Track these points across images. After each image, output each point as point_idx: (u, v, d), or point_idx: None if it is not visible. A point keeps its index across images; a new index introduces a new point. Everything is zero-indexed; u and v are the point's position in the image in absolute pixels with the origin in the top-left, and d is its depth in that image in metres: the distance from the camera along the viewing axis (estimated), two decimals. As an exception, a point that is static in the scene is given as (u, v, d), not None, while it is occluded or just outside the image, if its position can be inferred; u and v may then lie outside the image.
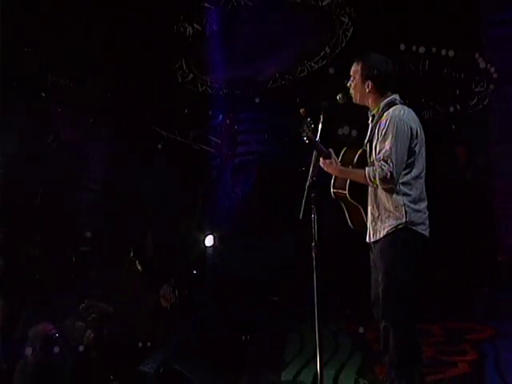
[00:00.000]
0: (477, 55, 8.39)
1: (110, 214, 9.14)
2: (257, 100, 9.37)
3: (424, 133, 3.21)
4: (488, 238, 7.43)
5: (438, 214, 3.31)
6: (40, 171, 8.43)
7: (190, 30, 9.04)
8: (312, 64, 8.93)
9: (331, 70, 8.65)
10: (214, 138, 10.77)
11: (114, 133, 9.38)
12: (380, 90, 3.16)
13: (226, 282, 8.59)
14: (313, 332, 3.07)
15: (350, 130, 8.85)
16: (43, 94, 8.45)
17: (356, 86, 3.24)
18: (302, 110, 3.13)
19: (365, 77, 3.20)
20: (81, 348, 5.78)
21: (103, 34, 8.67)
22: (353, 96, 3.28)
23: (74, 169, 8.88)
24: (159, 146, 9.74)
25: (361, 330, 5.49)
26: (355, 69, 3.28)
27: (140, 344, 6.54)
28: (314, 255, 3.10)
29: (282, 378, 4.31)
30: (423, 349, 3.21)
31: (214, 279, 8.96)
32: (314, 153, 3.12)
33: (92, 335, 6.17)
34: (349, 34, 8.63)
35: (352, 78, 3.28)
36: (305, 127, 3.06)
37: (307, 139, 3.08)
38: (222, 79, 9.31)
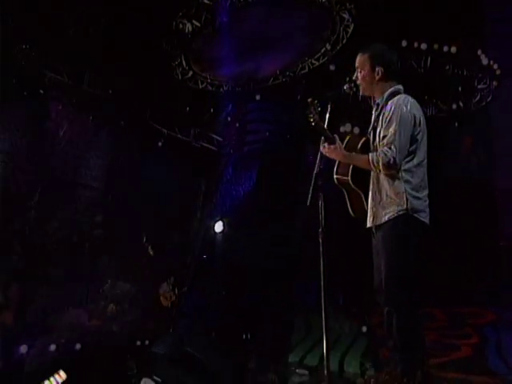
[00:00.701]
0: (479, 52, 8.46)
1: (109, 212, 9.37)
2: (257, 97, 9.62)
3: (427, 131, 3.39)
4: (490, 225, 7.63)
5: (442, 203, 3.49)
6: (39, 169, 8.64)
7: (189, 26, 9.08)
8: (313, 61, 8.99)
9: (332, 67, 8.80)
10: (215, 136, 11.10)
11: (114, 130, 9.53)
12: (388, 78, 3.35)
13: (233, 267, 8.91)
14: (319, 317, 3.25)
15: (352, 127, 9.06)
16: (41, 92, 8.48)
17: (365, 75, 3.43)
18: (309, 100, 3.30)
19: (375, 65, 3.39)
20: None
21: (101, 31, 8.73)
22: (360, 87, 3.46)
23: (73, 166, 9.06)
24: (159, 144, 9.94)
25: (364, 329, 5.65)
26: (362, 59, 3.47)
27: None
28: (320, 240, 3.28)
29: (290, 360, 4.49)
30: (426, 333, 3.39)
31: (223, 265, 9.26)
32: (321, 141, 3.30)
33: (114, 308, 6.55)
34: (349, 31, 8.57)
35: (359, 69, 3.46)
36: (312, 109, 3.24)
37: (314, 122, 3.26)
38: (222, 76, 9.40)
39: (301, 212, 8.92)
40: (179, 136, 10.50)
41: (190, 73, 9.15)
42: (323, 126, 3.33)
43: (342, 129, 9.70)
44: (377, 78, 3.38)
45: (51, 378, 4.12)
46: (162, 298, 8.74)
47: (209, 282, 9.44)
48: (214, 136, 11.16)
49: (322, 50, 8.84)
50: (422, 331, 3.28)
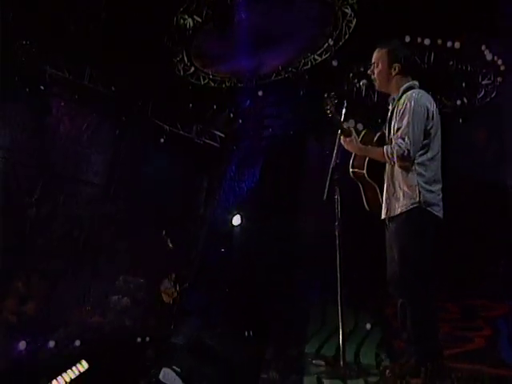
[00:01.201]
0: (483, 47, 8.44)
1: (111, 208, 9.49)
2: (260, 93, 9.64)
3: None
4: (502, 219, 7.78)
5: (452, 198, 3.60)
6: (40, 164, 8.73)
7: (190, 22, 9.13)
8: (315, 56, 9.04)
9: (334, 63, 8.80)
10: (217, 132, 11.25)
11: (115, 126, 9.65)
12: (404, 74, 3.47)
13: (238, 262, 9.14)
14: (335, 307, 3.37)
15: (355, 123, 9.17)
16: (42, 88, 8.60)
17: (381, 71, 3.55)
18: (326, 95, 3.41)
19: (392, 61, 3.50)
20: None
21: (102, 27, 8.76)
22: (376, 82, 3.58)
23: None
24: (161, 140, 10.09)
25: (368, 326, 5.76)
26: (379, 55, 3.58)
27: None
28: (337, 234, 3.40)
29: (306, 351, 4.61)
30: (440, 325, 3.51)
31: (240, 257, 9.49)
32: (338, 136, 3.41)
33: (128, 301, 7.84)
34: (352, 26, 8.58)
35: (376, 65, 3.58)
36: (329, 101, 3.36)
37: (330, 114, 3.37)
38: (225, 72, 9.45)
39: (305, 208, 9.13)
40: (181, 132, 10.62)
41: (192, 69, 9.20)
42: (340, 118, 3.45)
43: (345, 125, 9.83)
44: (393, 73, 3.50)
45: (73, 368, 4.25)
46: (163, 294, 8.84)
47: (212, 279, 9.67)
48: (217, 132, 11.28)
49: (325, 46, 8.87)
50: (436, 323, 3.40)
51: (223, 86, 9.51)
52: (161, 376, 3.92)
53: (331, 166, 3.41)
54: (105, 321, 8.79)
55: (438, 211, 3.32)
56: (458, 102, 9.35)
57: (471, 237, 7.29)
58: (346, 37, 8.65)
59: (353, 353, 4.23)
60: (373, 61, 3.64)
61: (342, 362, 3.46)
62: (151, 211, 10.15)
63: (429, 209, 3.27)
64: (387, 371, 3.54)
